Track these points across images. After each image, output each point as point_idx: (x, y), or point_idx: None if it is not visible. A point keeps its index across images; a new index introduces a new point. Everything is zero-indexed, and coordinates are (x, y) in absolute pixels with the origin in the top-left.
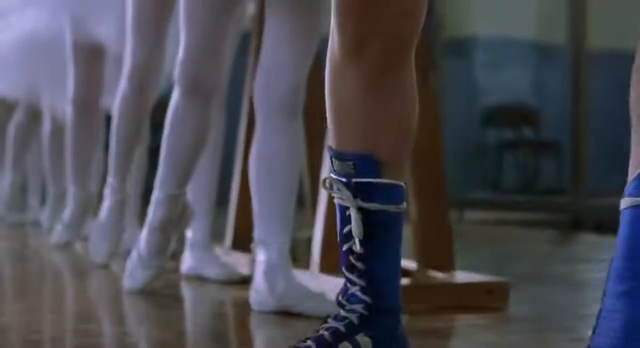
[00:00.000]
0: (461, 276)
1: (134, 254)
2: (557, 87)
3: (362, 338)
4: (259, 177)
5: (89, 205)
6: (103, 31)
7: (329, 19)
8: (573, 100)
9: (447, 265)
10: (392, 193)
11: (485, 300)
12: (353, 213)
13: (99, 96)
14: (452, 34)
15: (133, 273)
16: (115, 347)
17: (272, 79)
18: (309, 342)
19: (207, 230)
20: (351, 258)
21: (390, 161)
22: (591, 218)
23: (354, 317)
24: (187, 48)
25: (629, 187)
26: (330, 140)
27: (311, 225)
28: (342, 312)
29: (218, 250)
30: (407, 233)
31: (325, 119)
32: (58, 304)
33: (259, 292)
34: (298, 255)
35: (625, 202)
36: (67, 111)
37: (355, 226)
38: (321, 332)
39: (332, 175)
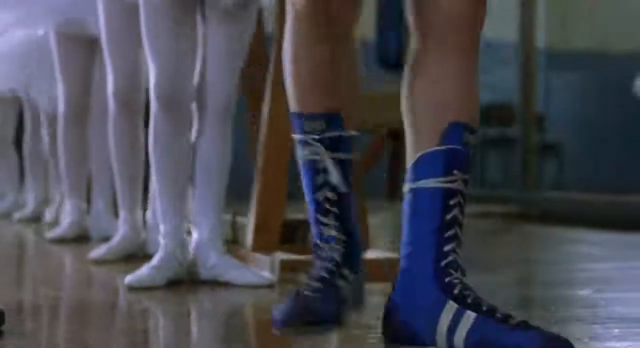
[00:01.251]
0: (371, 253)
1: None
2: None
3: (345, 271)
4: (196, 174)
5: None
6: (93, 24)
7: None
8: (523, 95)
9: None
10: (352, 143)
11: (387, 273)
12: (330, 164)
13: (90, 97)
14: None
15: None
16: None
17: (207, 86)
18: (315, 283)
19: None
20: (326, 205)
21: (347, 115)
22: (532, 209)
23: (337, 255)
24: (158, 67)
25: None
26: (297, 104)
27: None
28: (324, 253)
29: None
30: None
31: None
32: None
33: (192, 264)
34: (238, 237)
35: (405, 187)
36: (60, 114)
37: (334, 175)
38: (312, 283)
39: (300, 135)
